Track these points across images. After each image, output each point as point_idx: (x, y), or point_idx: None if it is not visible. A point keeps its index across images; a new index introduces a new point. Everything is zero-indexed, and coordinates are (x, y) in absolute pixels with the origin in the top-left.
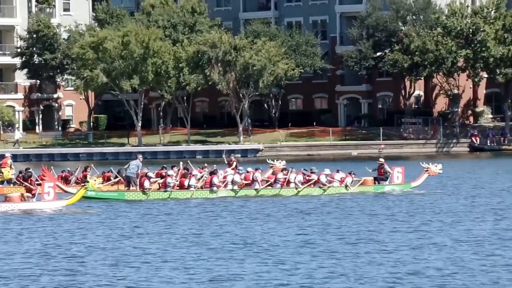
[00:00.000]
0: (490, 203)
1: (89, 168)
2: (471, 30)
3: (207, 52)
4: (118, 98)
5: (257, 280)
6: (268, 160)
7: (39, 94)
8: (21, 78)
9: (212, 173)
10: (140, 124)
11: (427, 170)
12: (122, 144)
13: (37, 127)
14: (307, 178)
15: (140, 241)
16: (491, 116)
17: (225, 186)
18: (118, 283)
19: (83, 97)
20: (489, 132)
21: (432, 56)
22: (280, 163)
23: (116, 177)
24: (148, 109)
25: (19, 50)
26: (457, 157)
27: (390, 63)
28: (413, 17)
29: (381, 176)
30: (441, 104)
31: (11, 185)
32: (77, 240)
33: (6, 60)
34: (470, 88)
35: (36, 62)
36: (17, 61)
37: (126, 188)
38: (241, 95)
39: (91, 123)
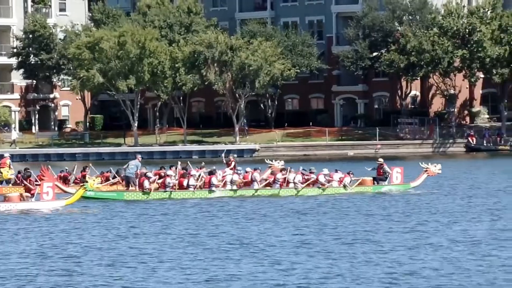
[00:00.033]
0: (487, 203)
1: (87, 168)
2: (467, 30)
3: (203, 52)
4: (114, 98)
5: (253, 280)
6: (267, 160)
7: (35, 94)
8: (17, 78)
9: (211, 173)
10: (136, 124)
11: (426, 171)
12: (119, 144)
13: (33, 127)
14: (305, 178)
15: (137, 241)
16: (487, 116)
17: (224, 186)
18: (115, 283)
19: (79, 97)
20: (485, 132)
21: (429, 56)
22: (278, 163)
23: (114, 177)
24: (144, 109)
25: (15, 50)
26: (453, 157)
27: (387, 63)
28: (409, 17)
29: (380, 176)
30: (437, 104)
31: (10, 185)
32: (75, 240)
33: (2, 60)
34: (467, 88)
35: (32, 62)
36: (13, 61)
37: (125, 188)
38: (237, 95)
39: (87, 123)
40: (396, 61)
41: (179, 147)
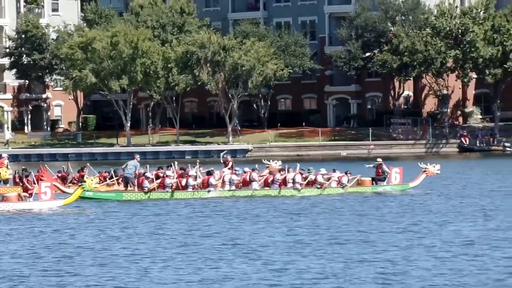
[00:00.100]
0: (479, 203)
1: (85, 168)
2: (460, 30)
3: (196, 52)
4: (107, 98)
5: (247, 280)
6: (264, 160)
7: (28, 94)
8: (10, 78)
9: (209, 173)
10: (129, 124)
11: (425, 171)
12: (111, 145)
13: (26, 127)
14: (304, 177)
15: (136, 241)
16: (480, 116)
17: (223, 186)
18: (107, 284)
19: (72, 97)
20: (478, 132)
21: (421, 56)
22: (276, 163)
23: (111, 177)
24: (137, 109)
25: (7, 50)
26: (446, 158)
27: (379, 64)
28: (402, 17)
29: (379, 177)
30: (430, 104)
31: (8, 185)
32: (69, 240)
33: None
34: (459, 88)
35: (25, 62)
36: (6, 61)
37: (124, 188)
38: (230, 95)
39: (80, 123)
40: (389, 61)
41: (172, 147)
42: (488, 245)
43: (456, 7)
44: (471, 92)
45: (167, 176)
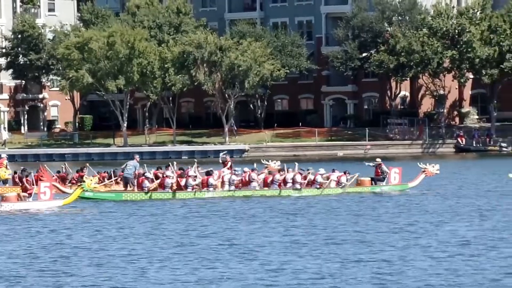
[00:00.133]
0: (476, 204)
1: (85, 168)
2: (456, 31)
3: (192, 52)
4: (104, 98)
5: (243, 281)
6: (263, 160)
7: (25, 95)
8: (6, 79)
9: (208, 173)
10: (125, 125)
11: (424, 171)
12: (108, 145)
13: (22, 127)
14: (304, 176)
15: (129, 242)
16: (476, 116)
17: (223, 186)
18: (104, 284)
19: (69, 98)
20: (474, 132)
21: (418, 56)
22: (275, 163)
23: (110, 177)
24: (133, 109)
25: (4, 50)
26: (443, 158)
27: (376, 64)
28: (399, 17)
29: (378, 177)
30: (427, 104)
31: (7, 185)
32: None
33: None
34: (456, 89)
35: (21, 63)
36: (2, 61)
37: (124, 188)
38: (226, 95)
39: (77, 124)
40: (385, 61)
41: (169, 148)
42: (484, 245)
43: (453, 7)
44: (467, 92)
45: (167, 176)
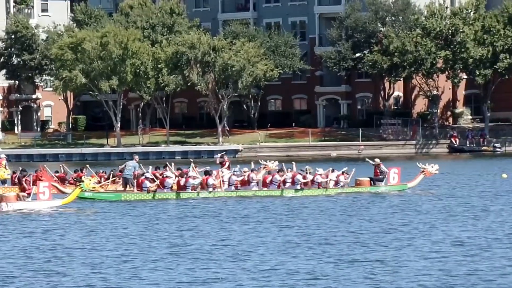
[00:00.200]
0: (470, 204)
1: (85, 169)
2: (450, 31)
3: (186, 53)
4: (97, 98)
5: (238, 282)
6: (261, 160)
7: (18, 95)
8: (0, 79)
9: (207, 173)
10: (119, 125)
11: (423, 171)
12: (101, 145)
13: (16, 128)
14: (303, 175)
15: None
16: (470, 117)
17: (221, 186)
18: (97, 285)
19: (62, 98)
20: (468, 133)
21: (411, 57)
22: (272, 163)
23: (108, 177)
24: (127, 109)
25: None
26: (436, 158)
27: (369, 64)
28: (392, 18)
29: (377, 177)
30: (420, 105)
31: (5, 185)
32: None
33: None
34: (450, 89)
35: (15, 63)
36: None
37: (123, 189)
38: (220, 96)
39: (70, 124)
40: (379, 62)
41: (162, 148)
42: (478, 246)
43: (446, 7)
44: (461, 92)
45: (167, 176)
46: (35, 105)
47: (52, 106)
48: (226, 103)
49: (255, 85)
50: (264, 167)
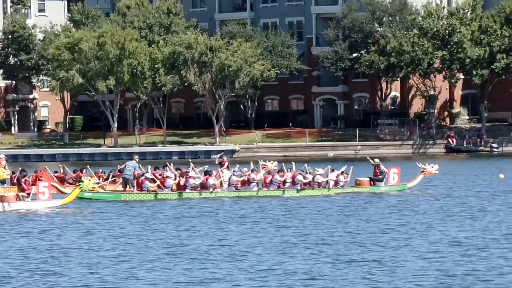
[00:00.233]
0: (467, 204)
1: (84, 170)
2: (447, 31)
3: (183, 53)
4: (94, 99)
5: (235, 282)
6: (260, 161)
7: (15, 95)
8: None
9: (206, 173)
10: (116, 125)
11: (423, 171)
12: (98, 145)
13: (12, 128)
14: (303, 175)
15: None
16: (467, 117)
17: (221, 186)
18: (94, 285)
19: (59, 98)
20: (465, 133)
21: (408, 57)
22: (272, 163)
23: (107, 178)
24: (124, 110)
25: None
26: (433, 158)
27: (366, 64)
28: (389, 18)
29: (377, 177)
30: (417, 105)
31: (5, 185)
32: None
33: None
34: (447, 89)
35: (12, 63)
36: None
37: (123, 189)
38: (217, 96)
39: (67, 124)
40: (376, 62)
41: (159, 148)
42: (475, 246)
43: (443, 7)
44: (458, 92)
45: (167, 177)
46: (32, 105)
47: (49, 106)
48: (223, 103)
49: (252, 85)
50: (264, 167)
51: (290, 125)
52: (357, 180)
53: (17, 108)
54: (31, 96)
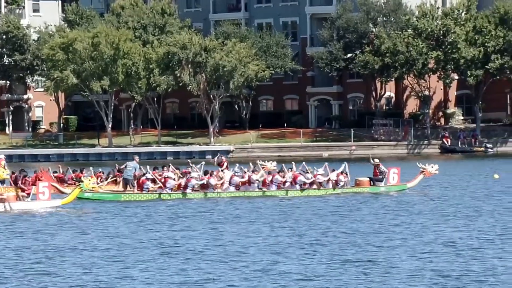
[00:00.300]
0: (462, 204)
1: (84, 170)
2: (441, 31)
3: (177, 53)
4: (88, 99)
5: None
6: (259, 161)
7: (9, 95)
8: None
9: (206, 173)
10: (110, 125)
11: (423, 171)
12: (93, 145)
13: (7, 128)
14: (303, 175)
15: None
16: (462, 117)
17: (222, 186)
18: (88, 285)
19: (53, 98)
20: (460, 133)
21: (403, 57)
22: (271, 163)
23: (107, 178)
24: (118, 110)
25: None
26: (428, 159)
27: (361, 65)
28: (384, 18)
29: (377, 177)
30: (412, 105)
31: (4, 185)
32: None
33: None
34: (441, 89)
35: (6, 63)
36: None
37: (123, 189)
38: (211, 96)
39: (61, 124)
40: (370, 62)
41: (154, 148)
42: (470, 246)
43: (438, 8)
44: (452, 93)
45: (168, 177)
46: (26, 106)
47: (43, 107)
48: (217, 103)
49: (246, 86)
50: (263, 168)
51: (285, 125)
52: (357, 180)
53: (11, 108)
54: (25, 96)
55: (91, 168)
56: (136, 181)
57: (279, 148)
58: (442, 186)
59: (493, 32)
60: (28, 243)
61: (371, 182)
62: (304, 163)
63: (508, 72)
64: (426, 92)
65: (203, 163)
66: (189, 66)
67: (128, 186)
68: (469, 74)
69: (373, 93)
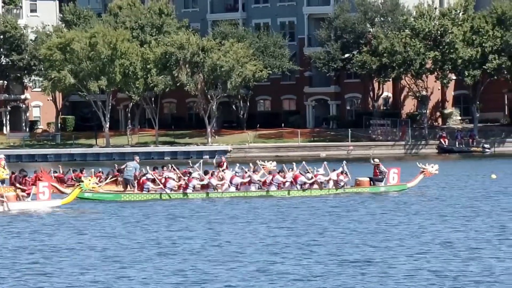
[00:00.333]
0: (459, 205)
1: (84, 170)
2: (439, 32)
3: (175, 53)
4: (86, 99)
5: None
6: (259, 161)
7: (7, 95)
8: None
9: (207, 173)
10: (108, 125)
11: (423, 171)
12: (90, 145)
13: (4, 128)
14: (303, 175)
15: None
16: (459, 117)
17: (222, 186)
18: (86, 285)
19: (51, 98)
20: (457, 133)
21: (400, 57)
22: (271, 164)
23: (106, 178)
24: (116, 110)
25: None
26: (425, 159)
27: (358, 65)
28: (381, 18)
29: (377, 177)
30: (409, 105)
31: (4, 185)
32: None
33: None
34: (439, 89)
35: (3, 63)
36: None
37: (123, 189)
38: (209, 96)
39: (59, 124)
40: (368, 62)
41: (151, 148)
42: (467, 247)
43: (435, 8)
44: (450, 93)
45: (169, 177)
46: (23, 106)
47: (40, 107)
48: (215, 103)
49: (244, 86)
50: (263, 168)
51: (282, 125)
52: (357, 180)
53: (8, 108)
54: (23, 96)
55: (92, 169)
56: (136, 181)
57: (277, 148)
58: (440, 186)
59: (490, 33)
60: (25, 243)
61: (371, 182)
62: (304, 163)
63: (505, 72)
64: (424, 92)
65: (201, 161)
66: (187, 66)
67: (128, 186)
68: (467, 74)
69: (371, 93)
